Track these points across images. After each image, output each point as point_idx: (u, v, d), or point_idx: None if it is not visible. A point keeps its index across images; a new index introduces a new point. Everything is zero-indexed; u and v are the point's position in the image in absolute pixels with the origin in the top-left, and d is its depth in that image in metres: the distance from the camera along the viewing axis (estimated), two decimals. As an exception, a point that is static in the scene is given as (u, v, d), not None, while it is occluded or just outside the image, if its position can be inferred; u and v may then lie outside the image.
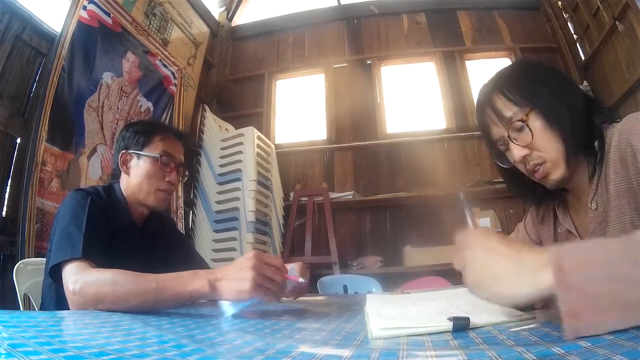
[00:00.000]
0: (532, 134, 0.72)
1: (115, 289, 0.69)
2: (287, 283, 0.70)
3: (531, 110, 0.73)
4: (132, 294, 0.69)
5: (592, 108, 0.75)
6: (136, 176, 1.03)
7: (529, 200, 0.89)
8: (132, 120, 2.29)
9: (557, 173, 0.73)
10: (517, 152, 0.74)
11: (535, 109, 0.73)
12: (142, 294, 0.69)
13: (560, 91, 0.73)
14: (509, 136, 0.75)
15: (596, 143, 0.73)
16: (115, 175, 1.09)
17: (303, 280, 0.71)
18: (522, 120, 0.73)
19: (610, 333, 0.35)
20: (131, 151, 1.05)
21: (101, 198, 0.97)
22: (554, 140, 0.72)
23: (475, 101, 0.85)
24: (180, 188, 2.59)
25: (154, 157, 1.04)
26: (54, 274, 0.80)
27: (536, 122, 0.73)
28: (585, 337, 0.35)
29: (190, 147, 2.78)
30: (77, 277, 0.73)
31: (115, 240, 0.93)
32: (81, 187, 1.81)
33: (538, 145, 0.73)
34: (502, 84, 0.77)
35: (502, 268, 0.43)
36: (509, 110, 0.75)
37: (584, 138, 0.72)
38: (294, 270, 0.82)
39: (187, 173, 1.11)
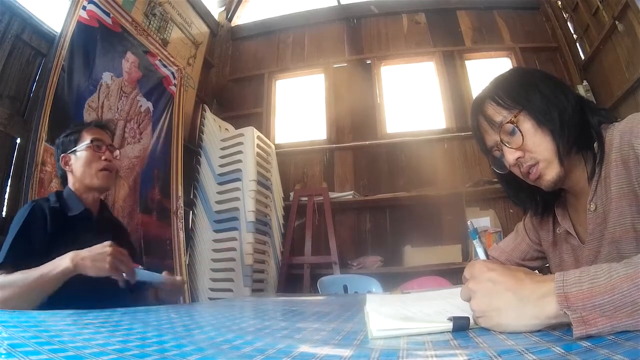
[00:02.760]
0: (522, 136, 0.72)
1: (12, 289, 0.85)
2: (138, 272, 0.96)
3: (520, 111, 0.73)
4: (22, 286, 0.85)
5: (587, 109, 0.75)
6: (78, 167, 1.19)
7: (527, 207, 0.89)
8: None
9: (551, 173, 0.73)
10: (510, 155, 0.74)
11: (524, 110, 0.73)
12: (27, 285, 0.85)
13: (551, 92, 0.73)
14: (501, 140, 0.75)
15: (595, 144, 0.73)
16: (63, 182, 1.24)
17: (160, 276, 1.02)
18: (511, 122, 0.73)
19: (610, 333, 0.35)
20: (69, 152, 1.21)
21: (47, 200, 1.12)
22: (545, 140, 0.72)
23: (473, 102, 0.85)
24: (180, 188, 2.58)
25: (87, 144, 1.20)
26: None
27: (526, 124, 0.73)
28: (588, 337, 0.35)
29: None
30: None
31: (74, 230, 1.08)
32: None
33: (530, 147, 0.73)
34: (493, 91, 0.78)
35: (505, 300, 0.43)
36: (499, 115, 0.75)
37: (578, 137, 0.72)
38: (161, 277, 1.05)
39: (117, 149, 1.27)
